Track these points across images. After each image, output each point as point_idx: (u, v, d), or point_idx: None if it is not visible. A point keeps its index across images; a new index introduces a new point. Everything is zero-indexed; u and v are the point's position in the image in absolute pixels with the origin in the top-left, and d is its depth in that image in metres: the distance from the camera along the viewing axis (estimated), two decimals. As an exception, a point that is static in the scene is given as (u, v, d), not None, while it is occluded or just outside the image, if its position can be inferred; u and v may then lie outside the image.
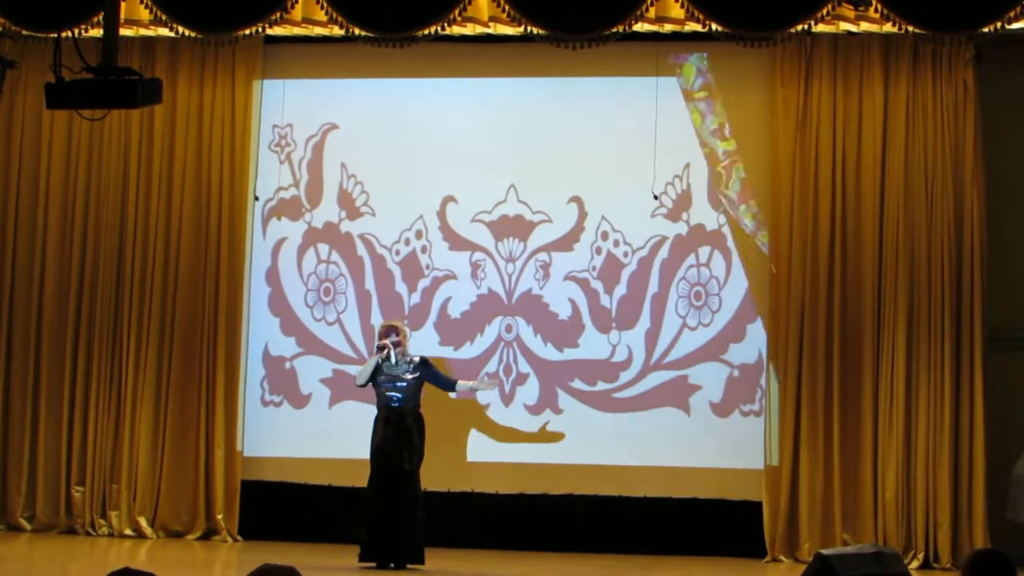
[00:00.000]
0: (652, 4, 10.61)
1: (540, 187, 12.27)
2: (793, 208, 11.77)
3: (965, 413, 11.44)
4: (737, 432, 11.90)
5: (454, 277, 12.31)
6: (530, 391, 12.13)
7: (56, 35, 9.94)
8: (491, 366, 12.09)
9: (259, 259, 12.47)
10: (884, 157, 11.73)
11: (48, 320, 12.34)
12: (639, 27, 10.97)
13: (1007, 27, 10.23)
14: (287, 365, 12.43)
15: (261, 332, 12.44)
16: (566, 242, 12.24)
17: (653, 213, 12.07)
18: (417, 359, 10.49)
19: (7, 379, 12.37)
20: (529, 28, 10.81)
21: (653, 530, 11.86)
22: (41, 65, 11.12)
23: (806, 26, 10.67)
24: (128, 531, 12.02)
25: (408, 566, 10.12)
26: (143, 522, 12.04)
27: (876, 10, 10.51)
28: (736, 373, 11.99)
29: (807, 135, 11.82)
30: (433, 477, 10.79)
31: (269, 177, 12.47)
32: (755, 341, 11.96)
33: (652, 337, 12.09)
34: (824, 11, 10.42)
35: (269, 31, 11.42)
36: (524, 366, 12.15)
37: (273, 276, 12.51)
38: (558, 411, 12.08)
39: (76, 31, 10.56)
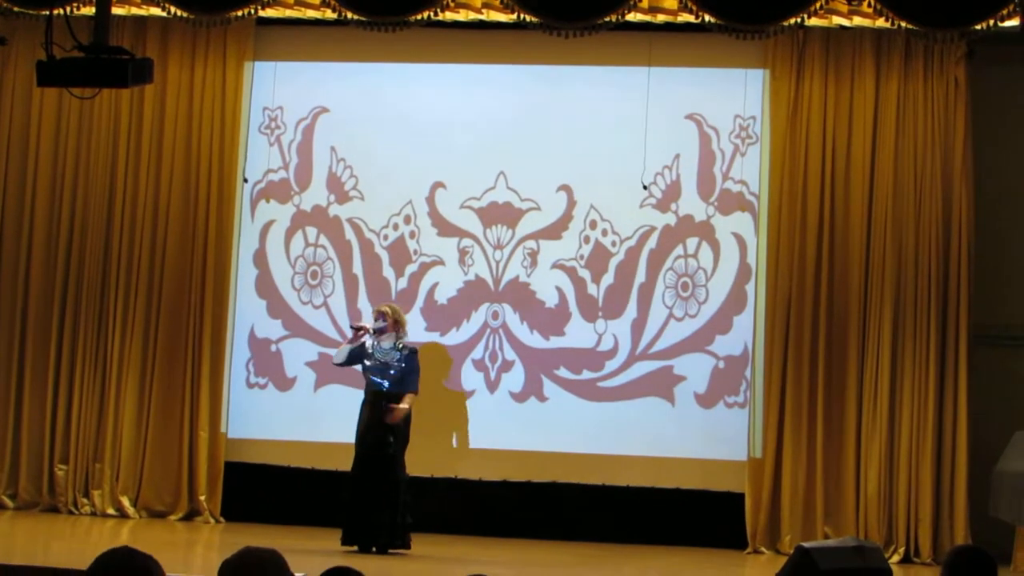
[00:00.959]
0: (646, -6, 10.63)
1: (530, 175, 12.27)
2: (781, 200, 11.79)
3: (949, 409, 11.48)
4: (721, 424, 11.92)
5: (442, 263, 12.31)
6: (515, 378, 12.14)
7: (48, 13, 9.88)
8: (477, 352, 12.11)
9: (247, 241, 12.45)
10: (874, 152, 11.74)
11: (34, 298, 12.31)
12: (632, 17, 10.97)
13: (999, 25, 10.23)
14: (273, 348, 12.42)
15: (247, 314, 12.42)
16: (554, 230, 12.24)
17: (642, 203, 12.08)
18: (408, 349, 10.48)
19: (-9, 356, 12.37)
20: (522, 16, 10.80)
21: (635, 520, 11.89)
22: (32, 43, 11.10)
23: (799, 20, 10.67)
24: (111, 510, 12.02)
25: (392, 551, 10.13)
26: (126, 502, 12.04)
27: (869, 5, 10.51)
28: (721, 364, 12.00)
29: (797, 128, 11.83)
30: (418, 463, 10.78)
31: (258, 159, 12.46)
32: (741, 333, 11.98)
33: (638, 327, 12.10)
34: (817, 4, 10.42)
35: (261, 13, 11.37)
36: (510, 353, 12.16)
37: (260, 258, 12.49)
38: (543, 399, 12.09)
39: (68, 9, 10.53)
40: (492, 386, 12.15)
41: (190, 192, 12.29)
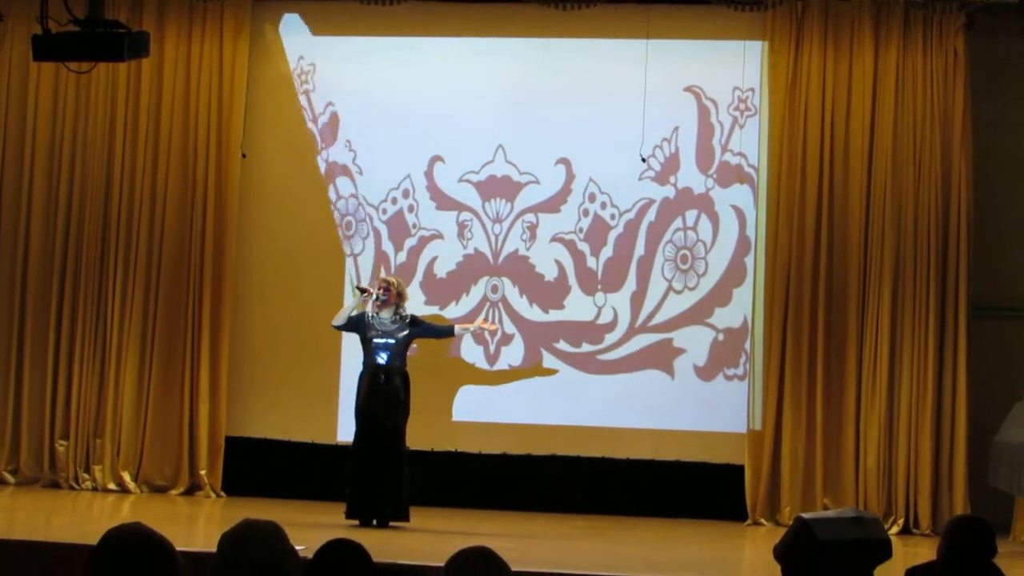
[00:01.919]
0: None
1: (528, 148, 12.25)
2: (781, 172, 11.78)
3: (948, 380, 11.49)
4: (721, 396, 11.93)
5: (440, 237, 12.30)
6: (515, 351, 12.15)
7: (44, -13, 9.88)
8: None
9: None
10: (873, 123, 11.73)
11: (33, 274, 12.30)
12: (630, -11, 10.96)
13: (998, -5, 10.22)
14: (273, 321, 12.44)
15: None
16: (553, 203, 12.23)
17: (641, 176, 12.07)
18: (408, 318, 10.47)
19: (-9, 332, 12.37)
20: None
21: (635, 492, 11.91)
22: (28, 17, 11.05)
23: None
24: (112, 485, 12.03)
25: (392, 524, 10.14)
26: (127, 477, 12.05)
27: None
28: (721, 337, 12.01)
29: (796, 100, 11.81)
30: (418, 436, 10.79)
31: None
32: (740, 305, 11.98)
33: (638, 300, 12.10)
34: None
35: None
36: (509, 327, 12.16)
37: (260, 233, 12.51)
38: (543, 372, 12.10)
39: (64, -17, 10.49)
40: (492, 359, 12.16)
41: (188, 167, 12.27)
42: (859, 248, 11.69)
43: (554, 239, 12.21)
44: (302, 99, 12.50)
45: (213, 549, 3.98)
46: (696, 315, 12.05)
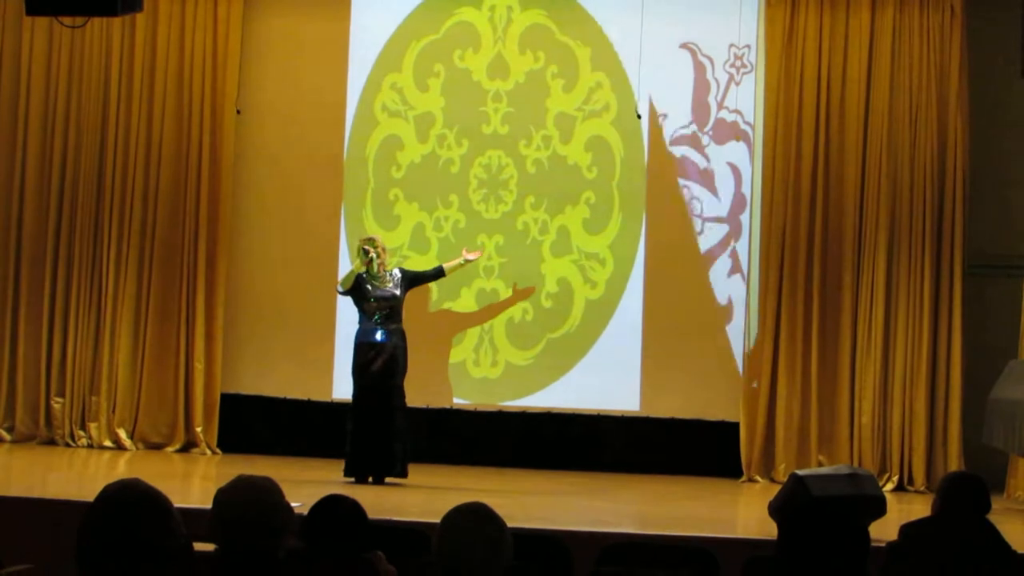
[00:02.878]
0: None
1: (524, 107, 12.21)
2: (776, 129, 11.76)
3: (943, 338, 11.51)
4: (717, 353, 11.95)
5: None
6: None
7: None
8: (472, 284, 12.14)
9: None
10: (869, 80, 11.71)
11: (28, 230, 12.28)
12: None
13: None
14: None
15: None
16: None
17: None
18: (397, 272, 10.47)
19: (-14, 289, 12.35)
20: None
21: (631, 449, 11.93)
22: (21, -27, 10.99)
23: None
24: (107, 443, 12.04)
25: (388, 480, 10.16)
26: (122, 434, 12.06)
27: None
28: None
29: (792, 57, 11.78)
30: (413, 394, 10.80)
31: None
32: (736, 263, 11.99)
33: (633, 257, 12.13)
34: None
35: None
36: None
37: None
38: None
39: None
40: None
41: (183, 124, 12.24)
42: (855, 205, 11.68)
43: (550, 196, 12.23)
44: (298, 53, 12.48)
45: (209, 505, 3.99)
46: (691, 272, 12.09)
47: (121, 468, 10.93)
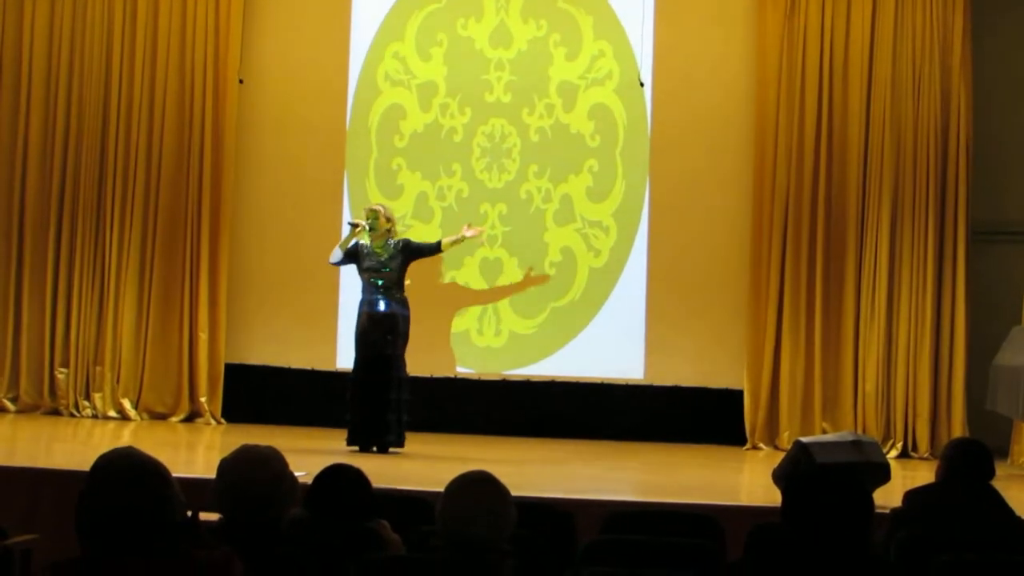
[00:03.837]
0: None
1: (524, 78, 12.19)
2: (780, 98, 11.72)
3: (947, 304, 11.50)
4: (721, 321, 11.95)
5: (439, 163, 12.29)
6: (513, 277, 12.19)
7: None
8: (475, 252, 12.14)
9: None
10: (872, 48, 11.67)
11: (31, 202, 12.28)
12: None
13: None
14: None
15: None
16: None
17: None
18: (400, 242, 10.42)
19: (-10, 261, 12.36)
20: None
21: (634, 417, 11.94)
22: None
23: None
24: (112, 413, 12.06)
25: (392, 450, 10.16)
26: (127, 404, 12.08)
27: None
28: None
29: (795, 25, 11.73)
30: (416, 363, 10.81)
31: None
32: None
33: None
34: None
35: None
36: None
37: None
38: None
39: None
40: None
41: (185, 95, 12.23)
42: (858, 173, 11.66)
43: (552, 165, 12.22)
44: (300, 23, 12.45)
45: (213, 475, 3.99)
46: (695, 240, 12.08)
47: (125, 438, 10.95)
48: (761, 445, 11.62)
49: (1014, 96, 11.97)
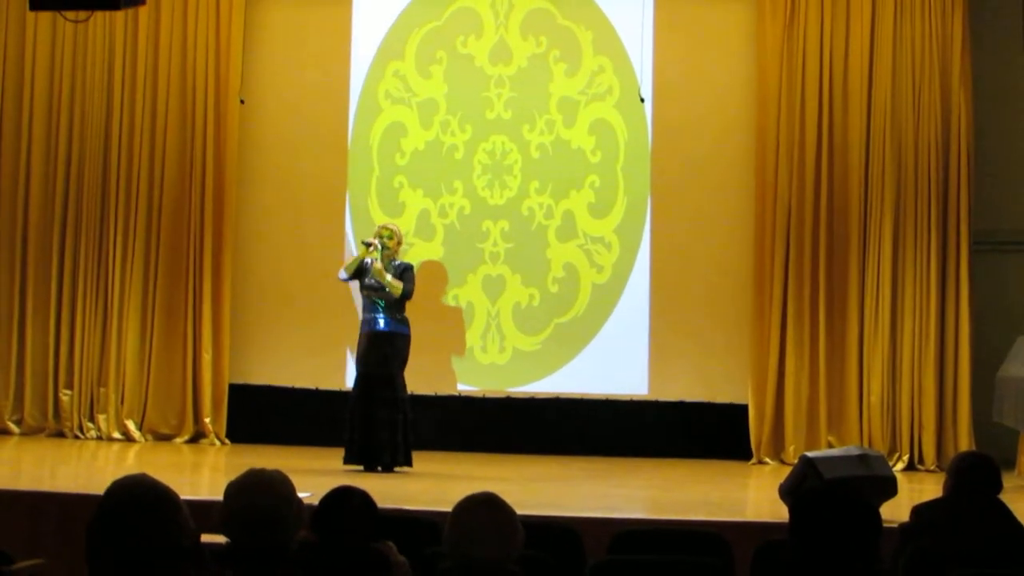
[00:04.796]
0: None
1: (525, 92, 12.20)
2: (780, 110, 11.73)
3: (951, 316, 11.49)
4: (724, 335, 11.93)
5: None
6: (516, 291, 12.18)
7: (37, -65, 9.78)
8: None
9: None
10: (872, 58, 11.67)
11: (34, 224, 12.28)
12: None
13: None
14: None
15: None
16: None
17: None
18: (402, 266, 10.41)
19: (-7, 283, 12.35)
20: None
21: (640, 433, 11.92)
22: (22, -34, 10.98)
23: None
24: (116, 434, 12.04)
25: (397, 469, 10.15)
26: (131, 425, 12.07)
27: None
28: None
29: (794, 36, 11.74)
30: (419, 381, 10.80)
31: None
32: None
33: (639, 240, 12.12)
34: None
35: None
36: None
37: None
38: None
39: (57, -69, 10.40)
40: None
41: (187, 115, 12.24)
42: (859, 184, 11.65)
43: (554, 181, 12.22)
44: (301, 42, 12.47)
45: (219, 497, 3.98)
46: (698, 254, 12.08)
47: (130, 460, 10.94)
48: (767, 459, 11.59)
49: (1014, 106, 11.96)
